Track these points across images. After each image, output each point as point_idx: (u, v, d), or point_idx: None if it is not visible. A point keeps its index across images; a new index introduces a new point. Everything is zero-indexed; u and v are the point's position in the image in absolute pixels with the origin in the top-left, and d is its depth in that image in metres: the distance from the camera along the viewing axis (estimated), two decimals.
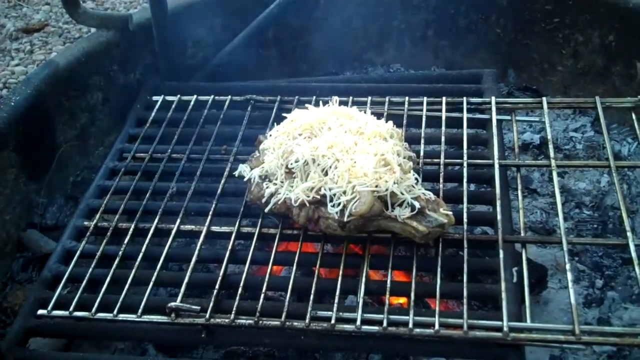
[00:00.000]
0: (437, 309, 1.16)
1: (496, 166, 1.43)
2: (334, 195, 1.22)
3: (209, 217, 1.41)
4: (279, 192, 1.28)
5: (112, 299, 1.25)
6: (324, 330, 1.17)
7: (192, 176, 1.52)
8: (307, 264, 1.34)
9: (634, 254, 1.22)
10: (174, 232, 1.40)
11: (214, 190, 1.47)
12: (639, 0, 1.96)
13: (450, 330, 1.14)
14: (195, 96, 1.76)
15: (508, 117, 1.60)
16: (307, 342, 1.23)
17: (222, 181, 1.48)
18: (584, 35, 2.13)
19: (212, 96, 1.75)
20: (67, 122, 1.84)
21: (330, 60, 2.46)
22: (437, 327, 1.13)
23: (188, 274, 1.30)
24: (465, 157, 1.46)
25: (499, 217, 1.33)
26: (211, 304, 1.21)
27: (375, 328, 1.15)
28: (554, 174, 1.42)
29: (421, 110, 1.61)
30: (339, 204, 1.21)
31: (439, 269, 1.23)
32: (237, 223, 1.39)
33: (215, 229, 1.40)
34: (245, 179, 1.38)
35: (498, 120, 1.56)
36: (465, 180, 1.41)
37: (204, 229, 1.39)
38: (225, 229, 1.40)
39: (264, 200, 1.31)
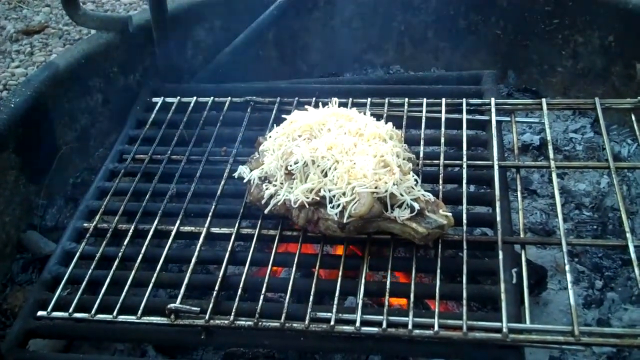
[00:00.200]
0: (436, 310, 1.16)
1: (496, 167, 1.43)
2: (334, 196, 1.22)
3: (209, 218, 1.41)
4: (278, 193, 1.28)
5: (112, 301, 1.26)
6: (323, 332, 1.17)
7: (192, 177, 1.52)
8: (306, 265, 1.34)
9: (633, 255, 1.22)
10: (173, 233, 1.40)
11: (214, 192, 1.47)
12: (639, 1, 1.96)
13: (450, 332, 1.14)
14: (195, 98, 1.77)
15: (508, 119, 1.60)
16: (306, 343, 1.23)
17: (222, 182, 1.48)
18: (583, 36, 2.13)
19: (212, 98, 1.75)
20: (67, 124, 1.84)
21: (329, 62, 2.46)
22: (436, 328, 1.13)
23: (188, 275, 1.30)
24: (464, 159, 1.46)
25: (498, 218, 1.33)
26: (211, 305, 1.21)
27: (374, 329, 1.15)
28: (554, 175, 1.42)
29: (421, 111, 1.61)
30: (339, 205, 1.21)
31: (438, 270, 1.23)
32: (237, 224, 1.39)
33: (214, 230, 1.40)
34: (244, 181, 1.38)
35: (498, 122, 1.56)
36: (464, 181, 1.41)
37: (204, 231, 1.39)
38: (224, 230, 1.40)
39: (263, 201, 1.31)
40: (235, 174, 1.42)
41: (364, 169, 1.22)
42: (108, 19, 2.04)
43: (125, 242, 1.39)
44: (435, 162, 1.47)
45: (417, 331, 1.14)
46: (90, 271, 1.33)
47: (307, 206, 1.24)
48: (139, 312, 1.22)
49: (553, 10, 2.16)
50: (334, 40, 2.39)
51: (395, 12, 2.38)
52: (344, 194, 1.21)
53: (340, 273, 1.25)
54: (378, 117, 1.48)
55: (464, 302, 1.17)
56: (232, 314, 1.20)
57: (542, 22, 2.20)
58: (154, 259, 1.34)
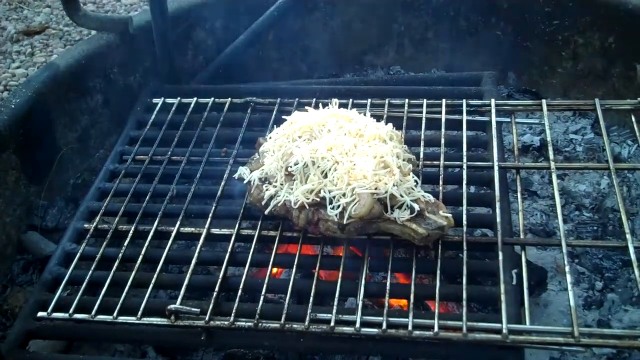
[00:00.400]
0: (436, 311, 1.16)
1: (496, 168, 1.43)
2: (334, 197, 1.22)
3: (209, 219, 1.41)
4: (278, 194, 1.28)
5: (112, 301, 1.26)
6: (323, 333, 1.17)
7: (192, 178, 1.52)
8: (306, 266, 1.34)
9: (633, 257, 1.22)
10: (173, 234, 1.40)
11: (214, 193, 1.47)
12: (639, 2, 1.97)
13: (450, 333, 1.14)
14: (195, 98, 1.76)
15: (508, 120, 1.60)
16: (306, 344, 1.23)
17: (222, 183, 1.48)
18: (583, 38, 2.13)
19: (212, 98, 1.75)
20: (68, 125, 1.84)
21: (330, 63, 2.46)
22: (436, 329, 1.13)
23: (188, 276, 1.30)
24: (464, 160, 1.46)
25: (498, 219, 1.33)
26: (211, 306, 1.21)
27: (374, 330, 1.15)
28: (554, 176, 1.42)
29: (421, 112, 1.61)
30: (339, 206, 1.21)
31: (438, 271, 1.23)
32: (237, 225, 1.39)
33: (215, 231, 1.40)
34: (245, 182, 1.38)
35: (498, 123, 1.56)
36: (464, 182, 1.41)
37: (204, 232, 1.39)
38: (225, 231, 1.40)
39: (263, 202, 1.31)
40: (236, 175, 1.42)
41: (364, 170, 1.22)
42: (108, 19, 2.05)
43: (126, 243, 1.39)
44: (436, 163, 1.47)
45: (417, 332, 1.14)
46: (90, 272, 1.33)
47: (307, 207, 1.24)
48: (139, 313, 1.23)
49: (553, 11, 2.16)
50: (334, 41, 2.40)
51: (396, 13, 2.39)
52: (344, 195, 1.21)
53: (340, 274, 1.25)
54: (378, 118, 1.48)
55: (464, 303, 1.17)
56: (232, 315, 1.20)
57: (542, 23, 2.20)
58: (154, 259, 1.35)
